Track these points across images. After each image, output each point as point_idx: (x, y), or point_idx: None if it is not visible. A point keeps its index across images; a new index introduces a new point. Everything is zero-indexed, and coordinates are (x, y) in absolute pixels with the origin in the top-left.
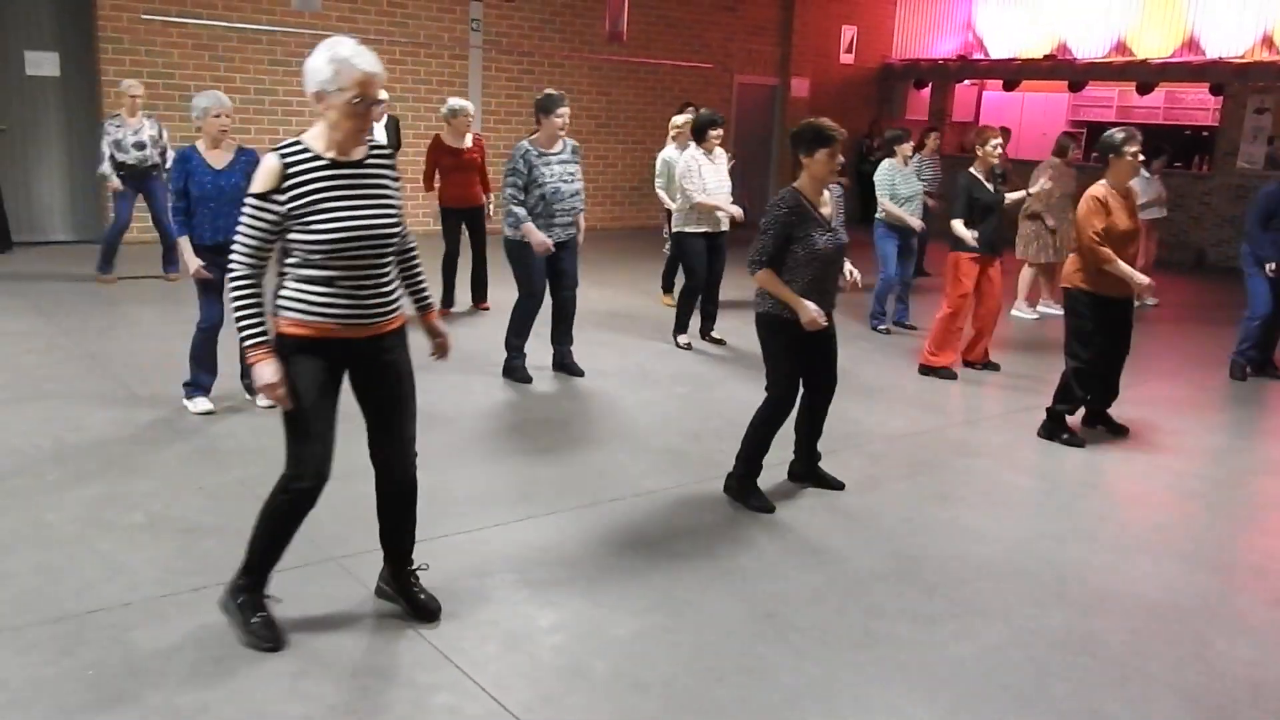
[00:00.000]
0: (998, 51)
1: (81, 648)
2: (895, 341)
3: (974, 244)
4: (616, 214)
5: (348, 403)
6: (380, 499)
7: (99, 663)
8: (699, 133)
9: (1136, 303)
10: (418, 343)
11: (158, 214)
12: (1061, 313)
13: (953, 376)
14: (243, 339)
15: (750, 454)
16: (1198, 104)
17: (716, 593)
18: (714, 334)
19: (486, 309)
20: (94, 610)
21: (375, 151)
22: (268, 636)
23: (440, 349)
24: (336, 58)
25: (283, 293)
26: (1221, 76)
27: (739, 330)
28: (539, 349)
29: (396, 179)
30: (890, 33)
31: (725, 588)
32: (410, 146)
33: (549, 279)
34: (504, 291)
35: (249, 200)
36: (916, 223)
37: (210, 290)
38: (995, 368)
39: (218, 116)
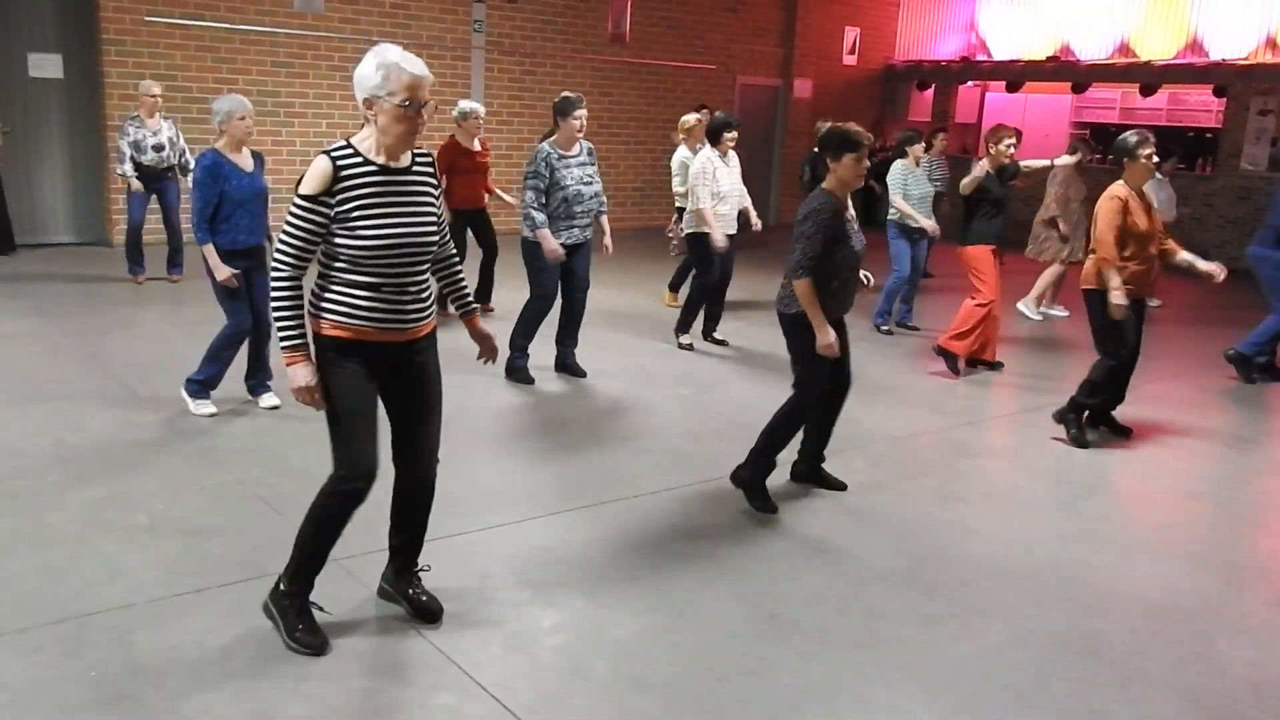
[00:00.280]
0: (1001, 53)
1: (84, 649)
2: (897, 342)
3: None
4: (618, 215)
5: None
6: (397, 500)
7: (101, 664)
8: (714, 135)
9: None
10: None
11: (168, 215)
12: (1063, 314)
13: (955, 363)
14: (281, 340)
15: (767, 449)
16: (1201, 105)
17: (718, 593)
18: (717, 334)
19: (491, 311)
20: (96, 612)
21: (420, 159)
22: (312, 644)
23: (489, 351)
24: (385, 63)
25: (325, 295)
26: (1225, 78)
27: (741, 331)
28: (541, 349)
29: (438, 187)
30: (893, 34)
31: (727, 588)
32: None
33: (561, 280)
34: (508, 293)
35: (300, 201)
36: (930, 224)
37: (239, 295)
38: (998, 366)
39: (242, 119)
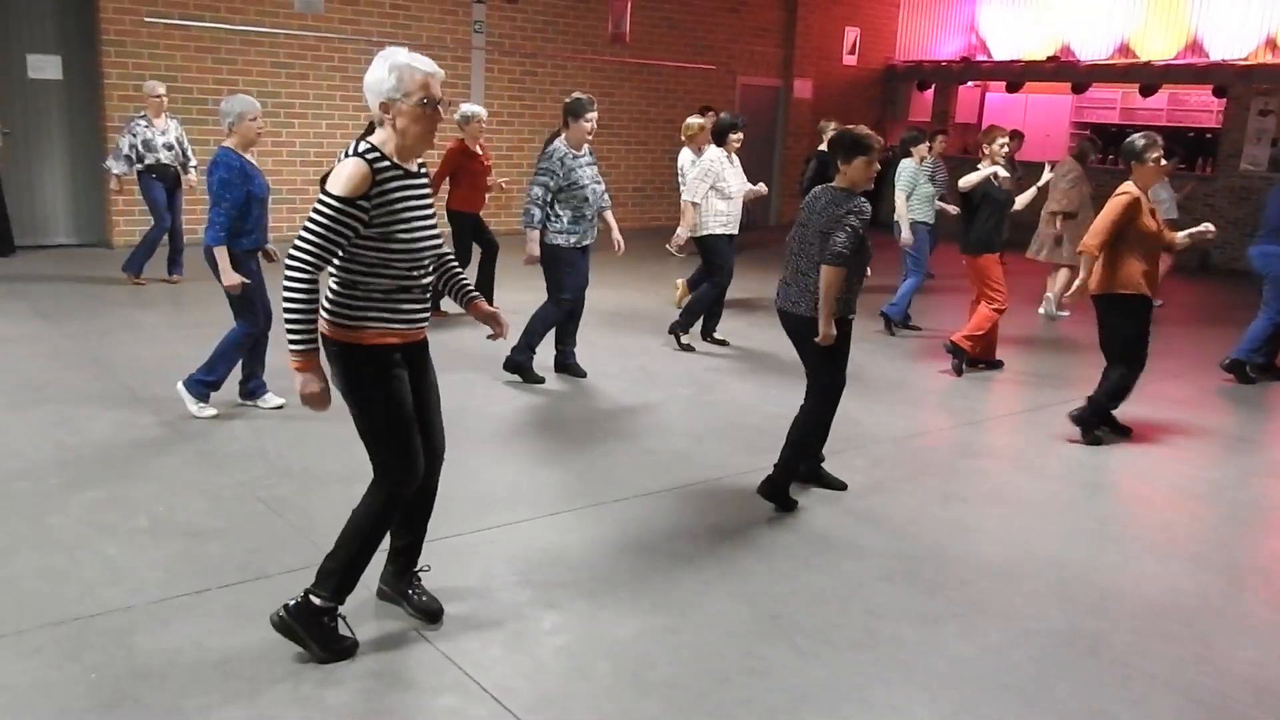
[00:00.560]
0: (1001, 53)
1: (84, 651)
2: (899, 342)
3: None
4: (619, 215)
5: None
6: (408, 507)
7: (101, 666)
8: (720, 136)
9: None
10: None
11: (174, 215)
12: (1065, 316)
13: (961, 361)
14: (294, 344)
15: (796, 457)
16: (1201, 106)
17: (719, 593)
18: (717, 334)
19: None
20: (97, 614)
21: (420, 163)
22: (345, 647)
23: (500, 327)
24: (397, 64)
25: (362, 305)
26: (1225, 78)
27: (741, 331)
28: (541, 350)
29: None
30: (893, 34)
31: (728, 588)
32: None
33: None
34: (507, 293)
35: (331, 203)
36: (908, 235)
37: (255, 297)
38: (999, 365)
39: (253, 120)
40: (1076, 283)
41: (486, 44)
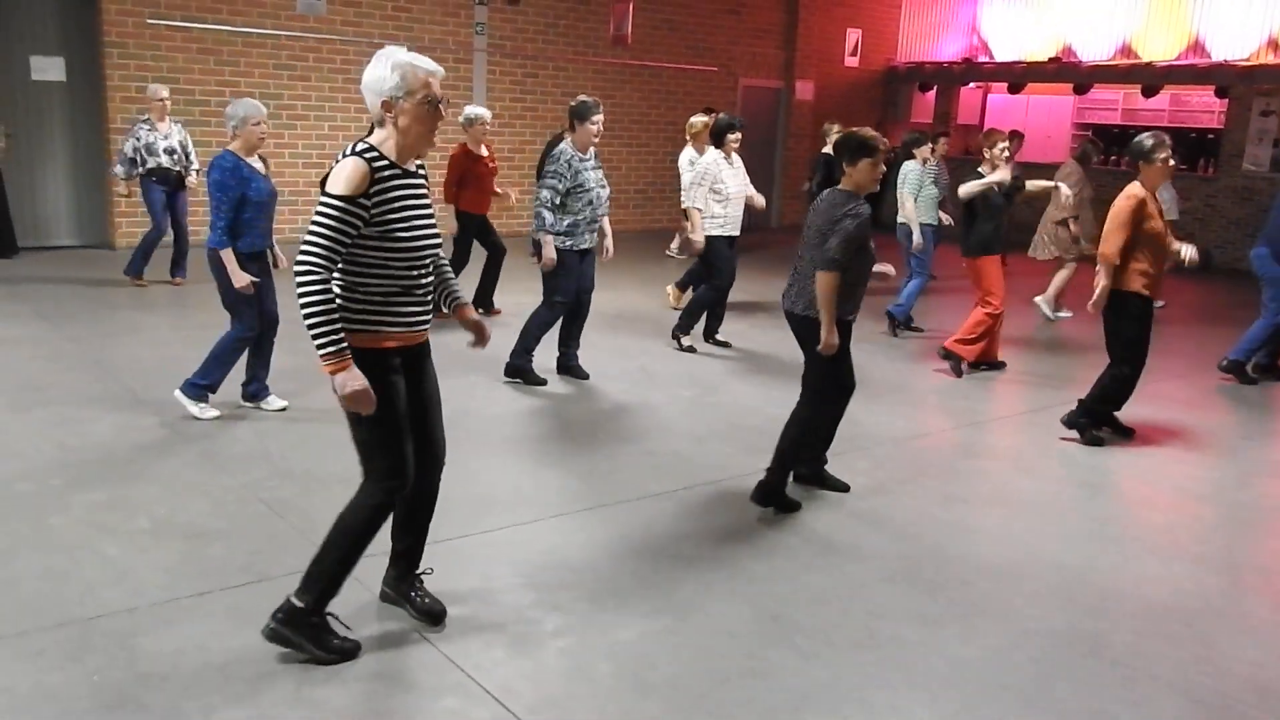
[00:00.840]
0: (1002, 54)
1: (86, 653)
2: (900, 343)
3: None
4: (619, 217)
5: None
6: (407, 509)
7: (103, 668)
8: (718, 136)
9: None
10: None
11: (177, 218)
12: (1067, 316)
13: (959, 366)
14: (322, 346)
15: (790, 457)
16: (1203, 106)
17: (721, 595)
18: (719, 336)
19: (498, 314)
20: (98, 615)
21: (419, 163)
22: (347, 646)
23: (482, 338)
24: (399, 63)
25: (361, 307)
26: (1227, 79)
27: (743, 333)
28: (541, 351)
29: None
30: (895, 35)
31: (729, 590)
32: None
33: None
34: (509, 296)
35: (333, 203)
36: (919, 239)
37: (250, 300)
38: (1001, 366)
39: (257, 124)
40: (1098, 291)
41: (488, 46)
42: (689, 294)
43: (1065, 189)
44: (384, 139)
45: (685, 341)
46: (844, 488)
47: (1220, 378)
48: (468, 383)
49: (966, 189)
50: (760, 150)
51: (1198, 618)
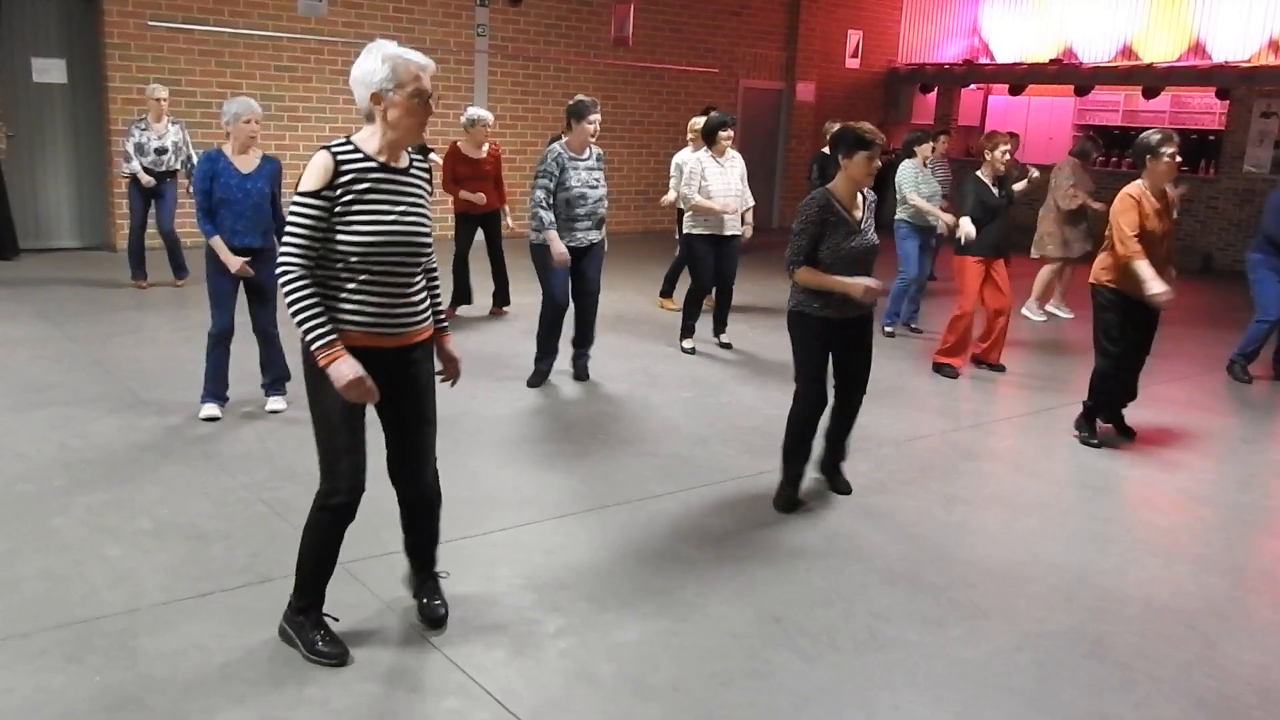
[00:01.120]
0: (1003, 56)
1: (88, 654)
2: (902, 344)
3: (970, 238)
4: (622, 218)
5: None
6: (404, 511)
7: (105, 669)
8: (709, 136)
9: None
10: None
11: (162, 221)
12: (1069, 316)
13: (954, 374)
14: (311, 340)
15: (785, 454)
16: (1204, 108)
17: (722, 596)
18: (723, 338)
19: (506, 313)
20: (100, 616)
21: (417, 161)
22: (333, 654)
23: (451, 373)
24: (389, 55)
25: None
26: (1228, 80)
27: (745, 335)
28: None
29: (430, 192)
30: (896, 37)
31: (731, 591)
32: None
33: (571, 283)
34: (518, 296)
35: (300, 199)
36: (948, 217)
37: (224, 297)
38: (1001, 369)
39: (248, 122)
40: (1153, 285)
41: (489, 47)
42: (679, 298)
43: (1034, 170)
44: (370, 135)
45: (686, 344)
46: (846, 490)
47: (1222, 378)
48: (468, 383)
49: (965, 229)
50: (761, 151)
51: (1200, 619)
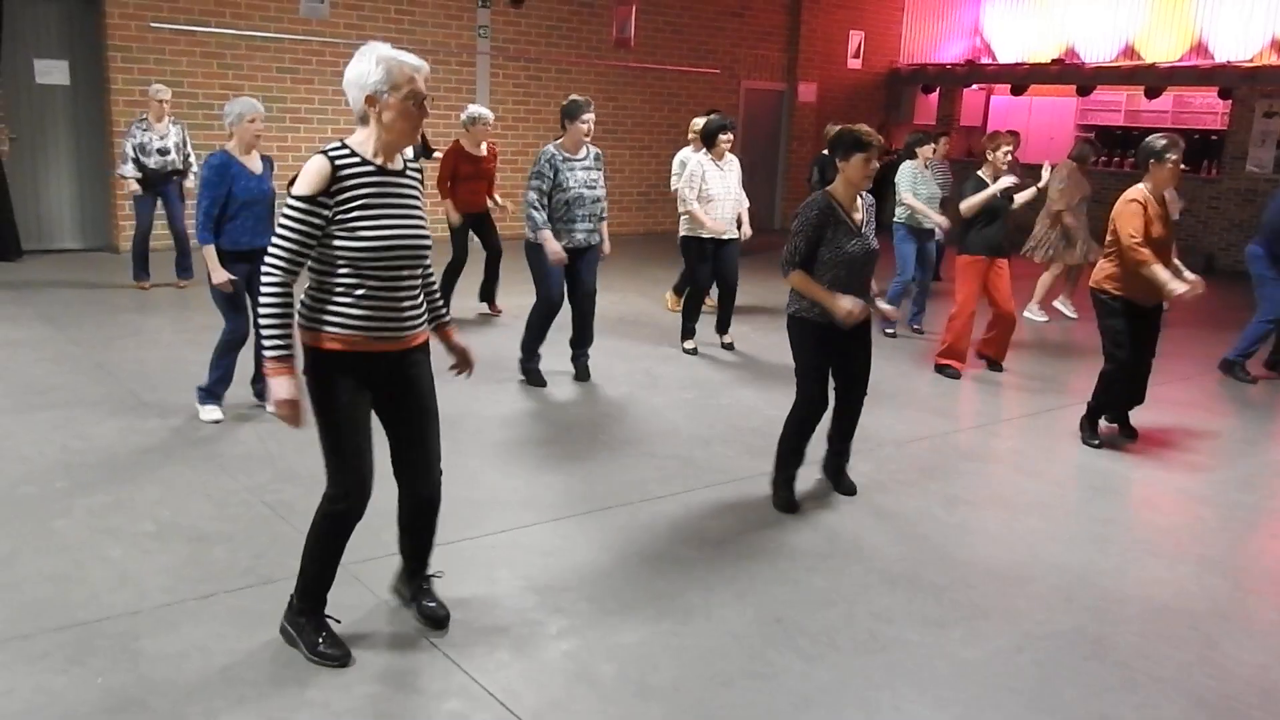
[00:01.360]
0: (1005, 56)
1: (90, 656)
2: (904, 345)
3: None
4: (622, 219)
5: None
6: (403, 513)
7: (107, 671)
8: (708, 139)
9: (1165, 306)
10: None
11: (173, 220)
12: (1072, 316)
13: (956, 375)
14: (267, 349)
15: (780, 455)
16: (1206, 108)
17: (723, 597)
18: (726, 339)
19: (499, 313)
20: (102, 618)
21: (410, 163)
22: (334, 656)
23: (463, 363)
24: (384, 57)
25: (322, 307)
26: (1230, 80)
27: (746, 336)
28: (549, 354)
29: (422, 193)
30: (898, 37)
31: (733, 592)
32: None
33: (567, 284)
34: (514, 298)
35: (294, 203)
36: (943, 220)
37: (238, 300)
38: (999, 369)
39: (252, 122)
40: (1174, 285)
41: (491, 49)
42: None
43: (1045, 175)
44: (364, 138)
45: (687, 345)
46: (849, 491)
47: (1219, 378)
48: (468, 384)
49: (968, 206)
50: (763, 152)
51: (1201, 619)
